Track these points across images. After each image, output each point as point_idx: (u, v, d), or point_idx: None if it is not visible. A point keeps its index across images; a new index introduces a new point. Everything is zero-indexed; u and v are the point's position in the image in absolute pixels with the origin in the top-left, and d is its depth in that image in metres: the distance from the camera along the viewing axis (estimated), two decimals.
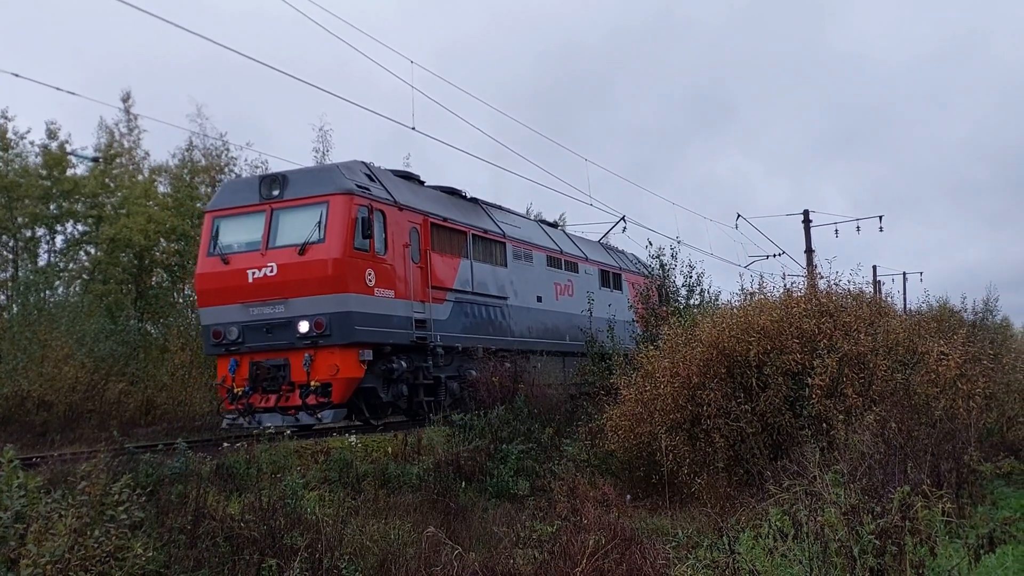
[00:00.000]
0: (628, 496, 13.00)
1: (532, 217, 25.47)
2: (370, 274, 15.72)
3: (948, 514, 7.16)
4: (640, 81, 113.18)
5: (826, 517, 6.58)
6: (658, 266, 24.69)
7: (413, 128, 18.27)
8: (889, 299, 20.11)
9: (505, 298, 20.19)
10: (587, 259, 25.46)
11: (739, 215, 32.89)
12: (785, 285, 14.91)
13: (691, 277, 25.29)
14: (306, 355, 15.15)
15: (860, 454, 8.55)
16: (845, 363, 11.81)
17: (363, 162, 17.37)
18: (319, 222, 15.22)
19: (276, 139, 64.38)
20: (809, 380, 11.62)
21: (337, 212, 15.21)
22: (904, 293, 46.93)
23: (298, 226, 15.44)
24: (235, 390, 15.57)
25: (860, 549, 6.08)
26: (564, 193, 66.11)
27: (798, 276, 21.76)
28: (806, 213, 33.50)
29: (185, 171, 30.10)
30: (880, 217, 34.94)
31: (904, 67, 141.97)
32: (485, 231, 19.88)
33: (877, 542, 6.10)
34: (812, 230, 33.92)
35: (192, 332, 26.30)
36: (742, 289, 15.53)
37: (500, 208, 22.19)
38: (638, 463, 13.72)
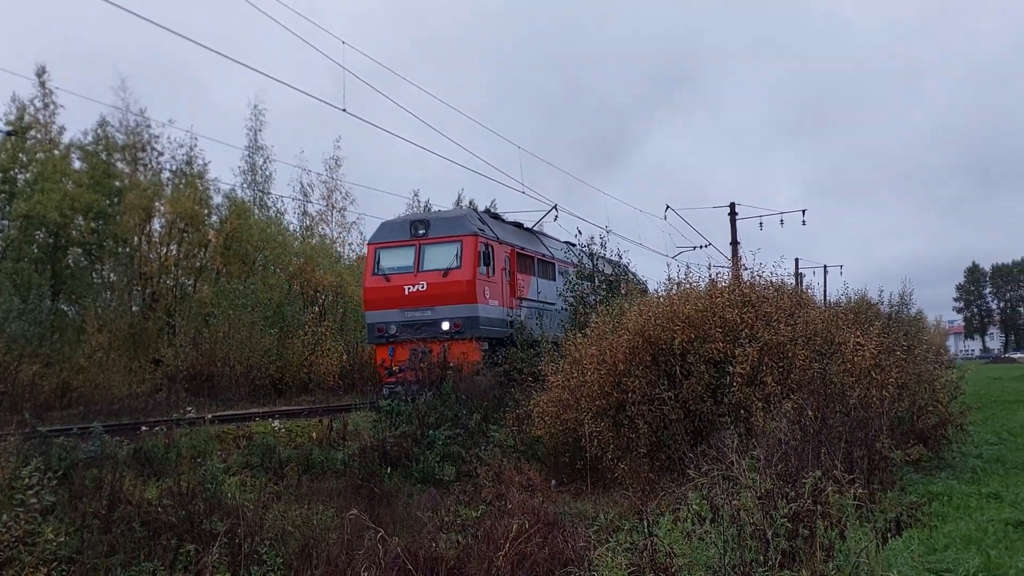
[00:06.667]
0: (553, 481, 13.15)
1: (561, 240, 29.04)
2: (487, 290, 21.90)
3: (859, 499, 7.38)
4: (602, 49, 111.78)
5: (742, 501, 6.74)
6: (587, 256, 25.24)
7: (344, 110, 18.26)
8: (810, 291, 20.62)
9: (554, 304, 25.44)
10: (600, 272, 28.08)
11: (668, 206, 33.18)
12: (710, 276, 15.18)
13: (619, 267, 25.86)
14: (444, 345, 20.99)
15: (777, 440, 8.75)
16: (765, 352, 12.10)
17: (475, 210, 25.78)
18: (456, 254, 21.65)
19: (210, 110, 62.78)
20: (731, 368, 11.88)
21: (468, 248, 21.63)
22: (824, 285, 48.27)
23: (440, 256, 21.83)
24: (393, 368, 21.43)
25: (773, 532, 6.25)
26: (496, 180, 66.16)
27: (723, 267, 22.22)
28: (732, 206, 34.11)
29: (100, 148, 29.13)
30: (803, 211, 35.77)
31: (880, 33, 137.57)
32: (543, 255, 26.24)
33: (790, 525, 6.28)
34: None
35: (111, 314, 25.60)
36: (669, 279, 15.75)
37: (545, 234, 28.72)
38: (564, 449, 13.85)
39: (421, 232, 22.24)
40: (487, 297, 21.90)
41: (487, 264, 22.01)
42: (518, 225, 26.65)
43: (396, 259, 22.34)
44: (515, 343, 22.09)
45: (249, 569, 8.02)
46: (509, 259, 23.57)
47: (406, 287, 21.75)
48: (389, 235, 22.94)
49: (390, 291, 21.93)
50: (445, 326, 21.29)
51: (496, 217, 25.61)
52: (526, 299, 24.33)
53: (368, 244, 23.76)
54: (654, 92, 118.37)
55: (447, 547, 8.24)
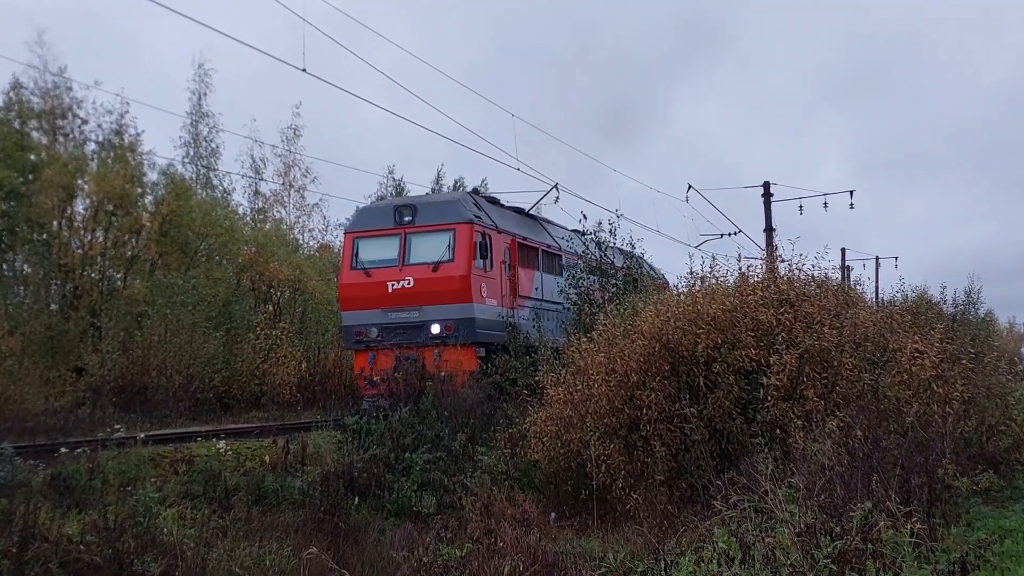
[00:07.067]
0: (553, 514, 13.13)
1: (568, 227, 29.09)
2: (484, 287, 22.25)
3: (917, 536, 7.40)
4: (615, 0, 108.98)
5: (778, 538, 6.76)
6: (594, 245, 25.29)
7: (303, 70, 18.20)
8: (859, 287, 20.65)
9: (560, 303, 25.52)
10: (620, 267, 28.33)
11: (690, 186, 33.11)
12: (740, 268, 15.17)
13: (632, 258, 25.91)
14: (435, 352, 21.32)
15: (819, 466, 8.77)
16: (806, 360, 12.11)
17: (470, 193, 25.47)
18: (449, 245, 21.93)
19: (145, 70, 62.53)
20: (764, 380, 11.87)
21: (462, 238, 21.92)
22: (876, 281, 48.28)
23: (429, 248, 22.11)
24: (373, 378, 21.42)
25: (815, 575, 6.26)
26: (486, 154, 65.75)
27: (756, 259, 22.24)
28: (766, 186, 34.13)
29: (12, 114, 29.00)
30: (851, 192, 35.79)
31: None
32: (548, 246, 26.80)
33: (834, 567, 6.30)
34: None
35: (24, 313, 25.53)
36: (691, 272, 15.74)
37: (550, 222, 29.13)
38: (566, 475, 13.85)
39: (407, 219, 22.51)
40: (484, 295, 22.24)
41: (484, 257, 22.33)
42: (519, 211, 27.02)
43: (378, 250, 22.64)
44: (506, 349, 22.09)
45: None
46: (509, 251, 23.98)
47: (389, 283, 22.08)
48: (369, 222, 23.29)
49: (371, 288, 22.25)
50: (435, 329, 21.63)
51: (494, 201, 25.94)
52: (529, 298, 24.78)
53: (345, 233, 24.21)
54: (676, 51, 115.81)
55: None
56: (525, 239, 25.20)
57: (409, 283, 21.92)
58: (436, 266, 21.86)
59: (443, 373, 20.52)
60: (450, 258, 21.86)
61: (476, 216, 22.61)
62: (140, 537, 9.33)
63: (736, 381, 12.37)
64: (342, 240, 25.47)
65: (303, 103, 58.17)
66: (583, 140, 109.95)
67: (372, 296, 22.19)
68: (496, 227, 23.34)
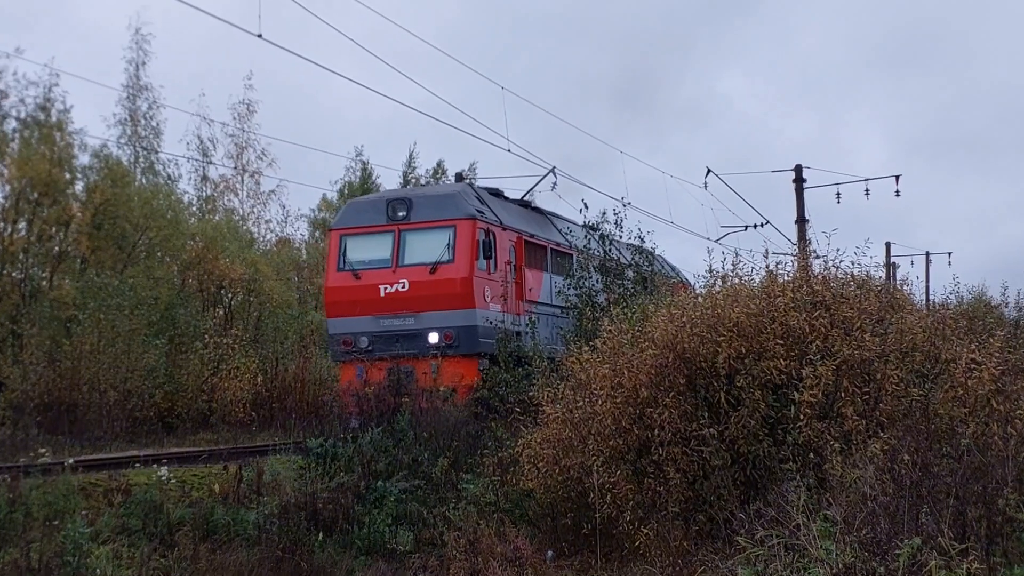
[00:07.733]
0: (550, 552, 13.12)
1: (578, 223, 29.15)
2: (487, 291, 22.76)
3: None
4: None
5: None
6: (599, 240, 25.33)
7: (259, 36, 18.18)
8: (906, 288, 20.68)
9: (569, 308, 25.77)
10: (628, 264, 28.74)
11: (709, 170, 32.99)
12: (767, 266, 15.14)
13: (642, 254, 25.94)
14: (433, 363, 21.72)
15: (860, 495, 8.75)
16: (844, 373, 12.07)
17: (468, 184, 26.68)
18: (448, 244, 22.36)
19: (74, 35, 62.45)
20: (796, 395, 11.86)
21: (464, 235, 22.33)
22: (927, 280, 48.45)
23: (426, 246, 22.61)
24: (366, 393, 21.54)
25: None
26: (470, 132, 65.71)
27: (785, 255, 22.22)
28: (798, 170, 34.12)
29: None
30: (897, 178, 35.71)
31: None
32: (558, 244, 27.35)
33: None
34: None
35: None
36: (710, 270, 15.70)
37: (558, 216, 29.59)
38: (565, 507, 13.83)
39: (401, 214, 22.96)
40: (487, 300, 22.74)
41: (488, 257, 22.81)
42: (525, 204, 27.65)
43: (368, 250, 23.17)
44: (496, 361, 22.13)
45: None
46: (515, 250, 24.47)
47: (381, 287, 22.55)
48: (358, 218, 23.86)
49: (360, 292, 22.74)
50: (433, 338, 22.05)
51: (496, 193, 26.35)
52: (537, 302, 25.30)
53: (330, 230, 24.86)
54: (697, 16, 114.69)
55: None
56: (532, 236, 25.57)
57: (404, 286, 22.32)
58: (434, 267, 22.27)
59: (441, 387, 20.94)
60: (450, 258, 22.26)
61: (478, 211, 22.96)
62: None
63: (763, 397, 12.32)
64: (304, 233, 25.69)
65: (258, 74, 58.25)
66: (586, 119, 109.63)
67: (362, 301, 22.61)
68: (500, 223, 23.69)
